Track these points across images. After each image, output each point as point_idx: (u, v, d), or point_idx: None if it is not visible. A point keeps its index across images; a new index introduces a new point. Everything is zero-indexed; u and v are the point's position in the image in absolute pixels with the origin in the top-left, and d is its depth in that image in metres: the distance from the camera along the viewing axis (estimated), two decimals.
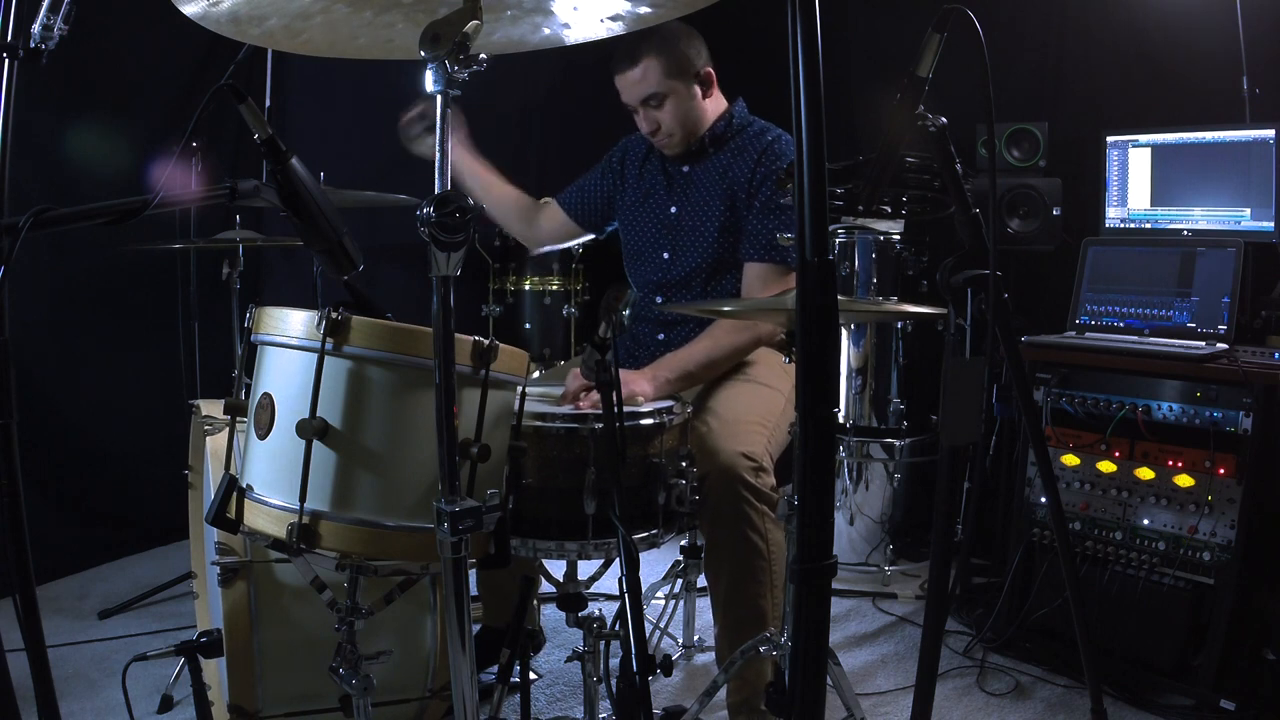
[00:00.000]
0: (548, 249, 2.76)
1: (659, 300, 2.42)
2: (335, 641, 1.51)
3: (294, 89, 3.52)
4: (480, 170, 2.52)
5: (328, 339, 1.35)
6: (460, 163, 2.47)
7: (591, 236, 2.65)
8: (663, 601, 2.68)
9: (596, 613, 1.80)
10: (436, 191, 1.19)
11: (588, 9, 1.39)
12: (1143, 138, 2.80)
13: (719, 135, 2.34)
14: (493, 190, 2.55)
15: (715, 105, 2.35)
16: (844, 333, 3.19)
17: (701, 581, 2.45)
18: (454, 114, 2.40)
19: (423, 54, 1.21)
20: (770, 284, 2.24)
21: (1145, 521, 2.38)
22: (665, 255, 2.39)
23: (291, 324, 1.41)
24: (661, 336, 2.40)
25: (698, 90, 2.29)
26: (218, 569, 1.75)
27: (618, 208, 2.52)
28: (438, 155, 1.23)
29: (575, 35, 1.47)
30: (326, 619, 1.53)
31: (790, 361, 2.18)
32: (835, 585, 2.56)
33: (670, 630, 2.64)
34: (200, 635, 1.76)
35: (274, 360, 1.45)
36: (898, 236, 3.12)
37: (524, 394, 1.56)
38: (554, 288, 3.79)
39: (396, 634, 1.86)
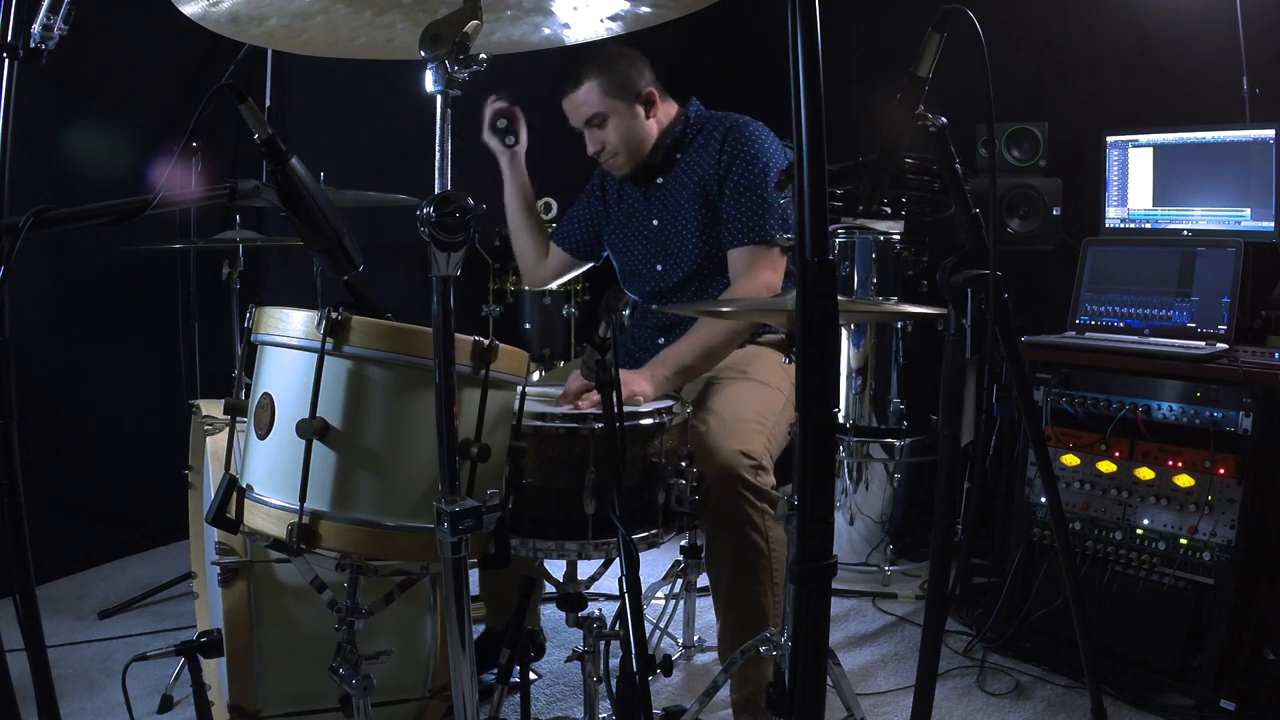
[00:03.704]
0: (547, 285, 2.83)
1: (655, 308, 2.43)
2: (335, 641, 1.51)
3: (294, 89, 3.52)
4: (530, 195, 2.61)
5: (328, 339, 1.35)
6: (518, 182, 2.57)
7: (590, 265, 2.68)
8: (663, 601, 2.68)
9: (596, 613, 1.80)
10: (436, 191, 1.19)
11: (588, 9, 1.39)
12: (1143, 138, 2.80)
13: (679, 140, 2.37)
14: (534, 218, 2.64)
15: (662, 120, 2.38)
16: (844, 333, 3.19)
17: (702, 581, 2.46)
18: (521, 126, 2.48)
19: (423, 54, 1.21)
20: (756, 265, 2.24)
21: (1145, 521, 2.38)
22: (659, 267, 2.42)
23: (291, 324, 1.41)
24: (662, 340, 2.40)
25: (640, 110, 2.33)
26: (218, 569, 1.75)
27: (605, 233, 2.55)
28: (438, 155, 1.23)
29: (575, 35, 1.47)
30: (326, 619, 1.53)
31: (790, 362, 2.19)
32: (835, 585, 2.56)
33: (670, 630, 2.64)
34: (200, 635, 1.76)
35: (274, 360, 1.45)
36: (898, 236, 3.12)
37: (524, 394, 1.56)
38: (554, 288, 3.80)
39: (396, 634, 1.86)
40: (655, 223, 2.41)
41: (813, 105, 0.90)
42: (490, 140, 2.48)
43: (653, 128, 2.36)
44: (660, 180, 2.40)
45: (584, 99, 2.30)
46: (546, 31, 1.46)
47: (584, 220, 2.60)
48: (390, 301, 1.45)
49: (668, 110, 2.39)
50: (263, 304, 1.48)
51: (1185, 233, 2.70)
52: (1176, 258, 2.58)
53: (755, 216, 2.23)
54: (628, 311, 2.62)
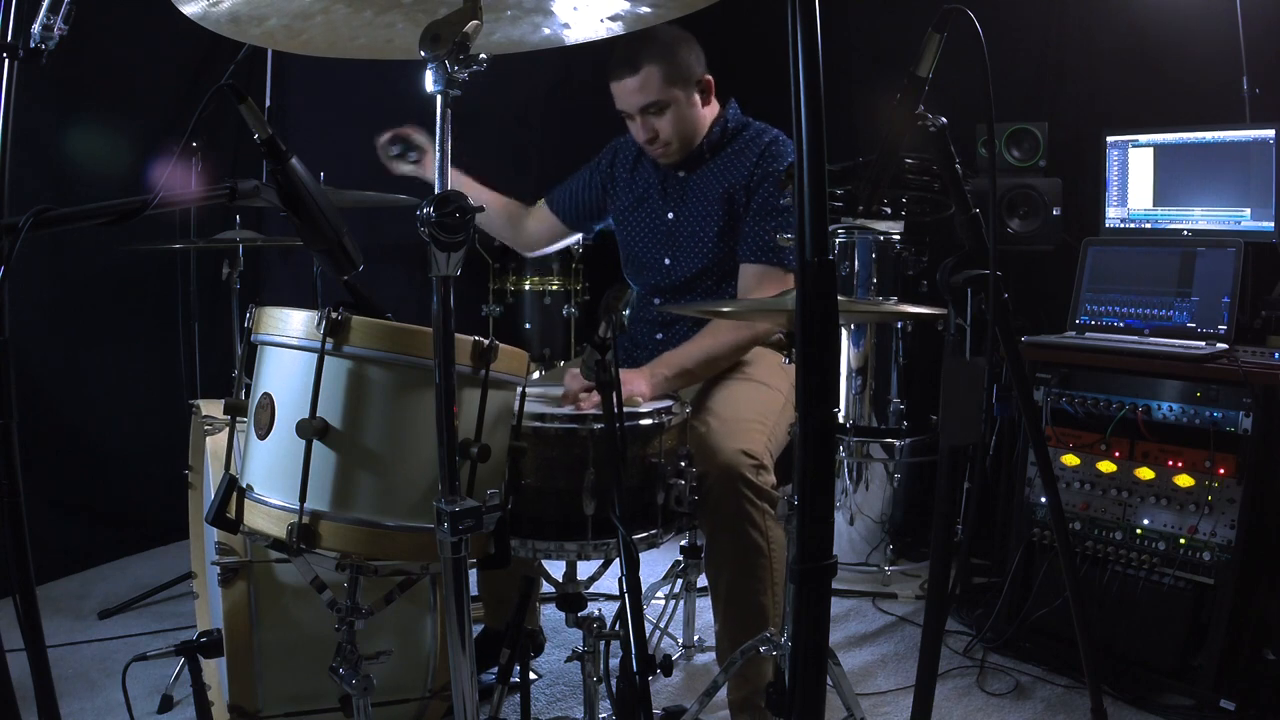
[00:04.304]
0: (539, 252, 2.77)
1: (657, 302, 2.42)
2: (335, 641, 1.51)
3: (294, 89, 3.52)
4: (460, 177, 2.46)
5: (328, 339, 1.35)
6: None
7: (579, 236, 2.65)
8: (663, 601, 2.68)
9: (596, 613, 1.80)
10: (436, 191, 1.19)
11: (588, 9, 1.39)
12: (1143, 138, 2.80)
13: (715, 141, 2.32)
14: (473, 195, 2.52)
15: (711, 112, 2.34)
16: (844, 333, 3.19)
17: (702, 581, 2.46)
18: (418, 136, 2.43)
19: (423, 54, 1.21)
20: (766, 285, 2.23)
21: (1145, 521, 2.38)
22: (666, 261, 2.39)
23: (291, 324, 1.41)
24: (660, 336, 2.40)
25: (697, 98, 2.28)
26: (218, 569, 1.75)
27: (611, 211, 2.51)
28: (437, 155, 1.23)
29: (575, 35, 1.47)
30: (326, 619, 1.53)
31: (790, 362, 2.18)
32: (835, 585, 2.56)
33: (670, 630, 2.64)
34: (200, 635, 1.76)
35: (274, 360, 1.45)
36: (898, 236, 3.12)
37: (524, 394, 1.56)
38: (554, 288, 3.79)
39: (396, 634, 1.86)
40: (671, 215, 2.37)
41: (813, 105, 0.90)
42: (403, 168, 2.41)
43: (707, 116, 2.31)
44: (682, 174, 2.36)
45: (642, 86, 2.21)
46: (546, 31, 1.46)
47: (584, 191, 2.54)
48: (390, 301, 1.45)
49: (712, 108, 2.35)
50: (263, 304, 1.48)
51: (1185, 233, 2.70)
52: (1176, 258, 2.58)
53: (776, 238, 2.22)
54: (628, 311, 2.61)
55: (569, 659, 1.86)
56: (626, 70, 2.21)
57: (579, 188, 2.56)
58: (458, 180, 2.45)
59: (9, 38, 1.57)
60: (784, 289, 2.21)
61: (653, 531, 1.80)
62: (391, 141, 2.38)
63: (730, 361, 2.22)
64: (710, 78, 2.31)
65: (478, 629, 2.42)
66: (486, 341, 1.41)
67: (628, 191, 2.46)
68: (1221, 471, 2.25)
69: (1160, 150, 2.77)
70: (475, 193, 2.50)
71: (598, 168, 2.54)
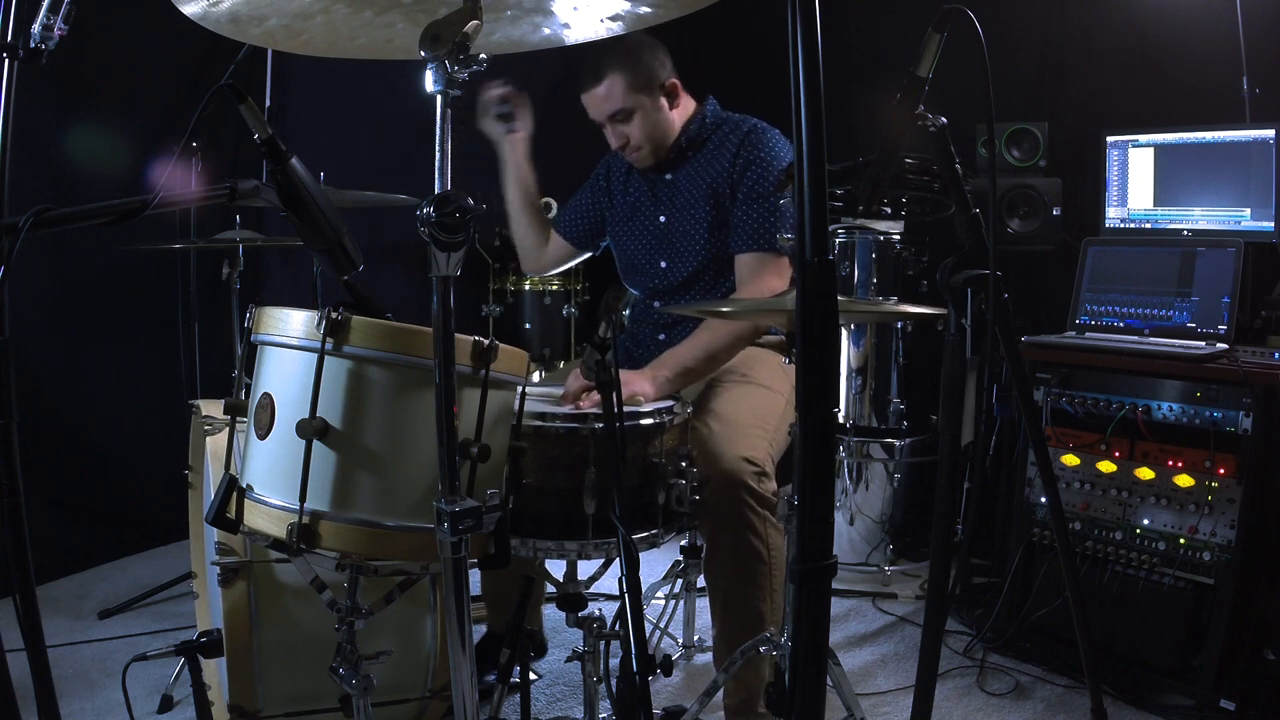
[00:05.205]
0: (545, 272, 2.81)
1: (657, 305, 2.42)
2: (335, 641, 1.51)
3: (294, 89, 3.52)
4: (532, 182, 2.52)
5: (328, 339, 1.36)
6: (518, 169, 2.48)
7: (588, 255, 2.67)
8: (663, 601, 2.68)
9: (596, 613, 1.80)
10: (436, 191, 1.19)
11: (588, 9, 1.39)
12: (1143, 138, 2.80)
13: (694, 138, 2.34)
14: (534, 205, 2.56)
15: (683, 113, 2.35)
16: (844, 333, 3.19)
17: (702, 581, 2.46)
18: (524, 111, 2.43)
19: (423, 54, 1.21)
20: (762, 272, 2.23)
21: (1145, 521, 2.38)
22: (663, 264, 2.40)
23: (291, 324, 1.41)
24: (662, 337, 2.40)
25: (664, 102, 2.30)
26: (218, 569, 1.75)
27: (608, 224, 2.53)
28: (438, 155, 1.23)
29: (575, 35, 1.47)
30: (326, 619, 1.53)
31: (790, 362, 2.18)
32: (835, 585, 2.56)
33: (670, 630, 2.64)
34: (200, 635, 1.76)
35: (274, 360, 1.45)
36: (898, 236, 3.12)
37: (524, 394, 1.56)
38: (554, 288, 3.80)
39: (396, 634, 1.86)
40: (662, 219, 2.39)
41: (813, 105, 0.90)
42: (489, 127, 2.42)
43: (675, 119, 2.33)
44: (669, 176, 2.38)
45: (607, 95, 2.25)
46: (546, 31, 1.46)
47: (586, 210, 2.57)
48: (390, 301, 1.45)
49: (687, 103, 2.37)
50: (263, 304, 1.48)
51: (1185, 233, 2.70)
52: (1176, 258, 2.58)
53: (766, 223, 2.22)
54: (628, 311, 2.62)
55: (569, 659, 1.86)
56: (591, 81, 2.26)
57: (583, 207, 2.58)
58: (530, 182, 2.52)
59: (9, 38, 1.57)
60: (780, 273, 2.22)
61: (653, 531, 1.80)
62: (502, 100, 2.37)
63: (731, 355, 2.21)
64: (676, 81, 2.32)
65: (478, 630, 2.42)
66: (486, 341, 1.41)
67: (623, 202, 2.48)
68: (1221, 471, 2.25)
69: (1160, 150, 2.77)
70: (535, 201, 2.56)
71: (596, 184, 2.56)
